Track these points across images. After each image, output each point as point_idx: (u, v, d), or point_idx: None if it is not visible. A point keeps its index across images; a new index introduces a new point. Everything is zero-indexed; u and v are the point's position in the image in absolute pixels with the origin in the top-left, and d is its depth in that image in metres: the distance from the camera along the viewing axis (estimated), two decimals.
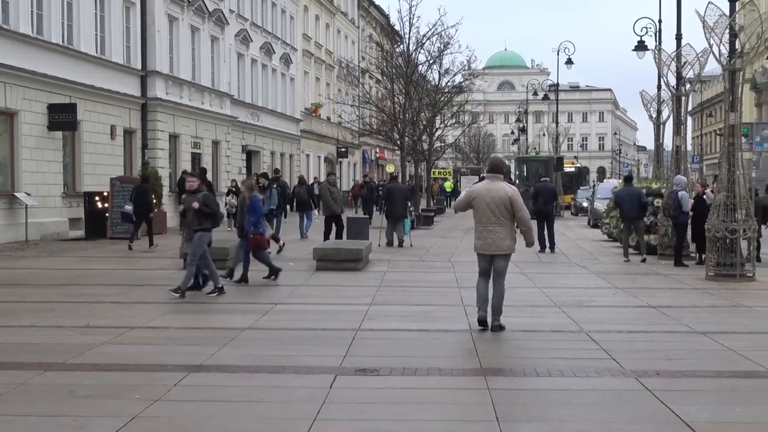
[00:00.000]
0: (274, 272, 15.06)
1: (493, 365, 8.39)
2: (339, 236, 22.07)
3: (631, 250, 21.41)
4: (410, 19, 35.14)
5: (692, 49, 19.94)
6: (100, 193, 24.91)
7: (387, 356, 8.78)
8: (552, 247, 21.84)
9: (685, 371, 8.16)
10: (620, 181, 26.16)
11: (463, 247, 23.33)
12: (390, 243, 22.88)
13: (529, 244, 10.70)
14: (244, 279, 14.70)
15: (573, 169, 57.27)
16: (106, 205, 24.52)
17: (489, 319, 10.24)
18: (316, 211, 27.65)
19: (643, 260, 19.13)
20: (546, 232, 22.01)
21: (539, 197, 22.65)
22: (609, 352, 8.95)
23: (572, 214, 45.43)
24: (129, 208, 22.12)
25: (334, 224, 22.45)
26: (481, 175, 25.61)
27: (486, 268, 10.49)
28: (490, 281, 10.44)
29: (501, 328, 10.21)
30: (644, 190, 21.07)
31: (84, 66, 26.24)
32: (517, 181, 48.23)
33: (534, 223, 12.28)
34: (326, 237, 21.91)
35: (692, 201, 18.60)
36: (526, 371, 8.13)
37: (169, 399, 7.04)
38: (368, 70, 49.45)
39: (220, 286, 13.20)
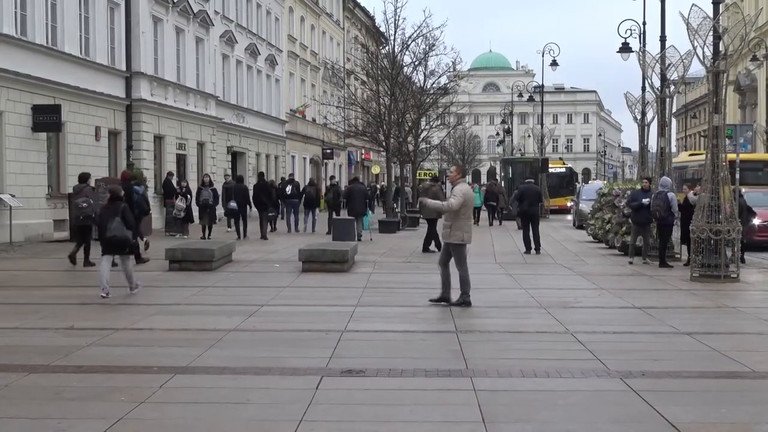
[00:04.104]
0: None
1: (479, 366, 8.39)
2: (437, 239, 21.98)
3: (616, 252, 21.52)
4: (395, 20, 35.18)
5: (676, 50, 20.01)
6: None
7: (373, 357, 8.79)
8: (537, 249, 21.89)
9: (670, 372, 8.19)
10: (614, 183, 26.03)
11: None
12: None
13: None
14: None
15: (563, 170, 54.72)
16: None
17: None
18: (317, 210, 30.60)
19: (645, 262, 19.01)
20: (531, 233, 22.07)
21: (524, 199, 22.69)
22: (594, 353, 8.98)
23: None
24: (233, 204, 26.32)
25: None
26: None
27: None
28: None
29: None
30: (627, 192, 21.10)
31: (68, 67, 26.13)
32: (503, 183, 48.15)
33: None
34: (430, 239, 22.01)
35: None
36: (511, 372, 8.15)
37: (155, 401, 7.02)
38: (353, 71, 49.39)
39: None
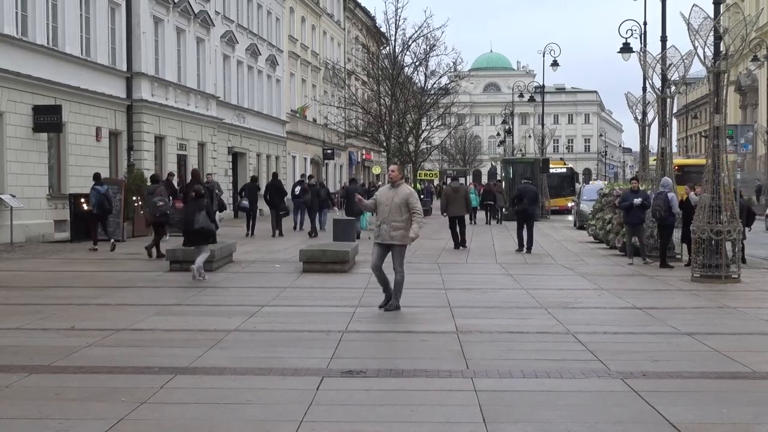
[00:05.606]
0: None
1: (480, 367, 8.39)
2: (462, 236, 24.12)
3: (616, 252, 21.52)
4: (396, 21, 35.23)
5: (677, 51, 20.01)
6: (85, 195, 24.80)
7: (374, 358, 8.80)
8: (529, 248, 22.01)
9: (671, 372, 8.19)
10: (609, 183, 26.01)
11: (449, 249, 23.38)
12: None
13: None
14: None
15: (564, 170, 54.04)
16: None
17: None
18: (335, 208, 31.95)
19: (645, 262, 18.99)
20: (525, 232, 22.23)
21: (523, 199, 22.78)
22: (595, 354, 8.98)
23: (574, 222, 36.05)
24: (246, 203, 27.71)
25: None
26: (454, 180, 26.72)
27: None
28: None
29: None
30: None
31: (69, 67, 26.14)
32: (503, 183, 48.13)
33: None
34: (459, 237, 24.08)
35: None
36: (512, 373, 8.15)
37: (155, 401, 7.02)
38: (354, 71, 49.42)
39: None
